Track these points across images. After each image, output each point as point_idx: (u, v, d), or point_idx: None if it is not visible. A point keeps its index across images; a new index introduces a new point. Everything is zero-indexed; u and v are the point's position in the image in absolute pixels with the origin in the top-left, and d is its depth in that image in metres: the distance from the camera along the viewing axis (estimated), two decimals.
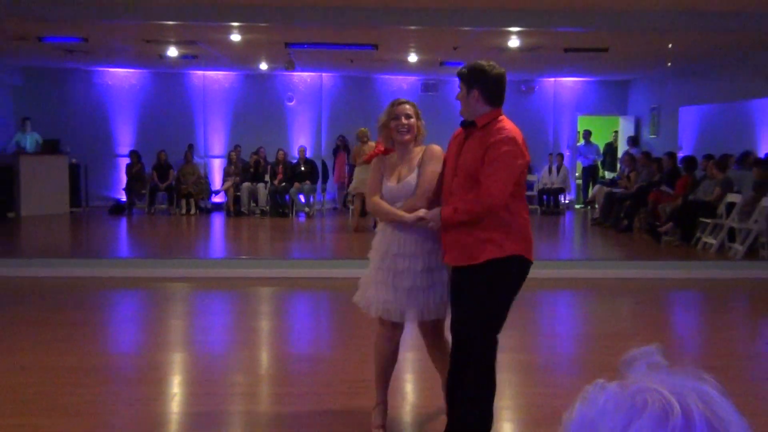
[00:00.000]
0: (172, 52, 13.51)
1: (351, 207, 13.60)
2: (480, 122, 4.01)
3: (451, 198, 4.07)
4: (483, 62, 4.10)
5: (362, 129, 13.12)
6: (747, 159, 12.57)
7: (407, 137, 4.30)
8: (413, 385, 5.57)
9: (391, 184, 4.32)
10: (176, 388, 5.37)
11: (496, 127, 3.98)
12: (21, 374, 5.39)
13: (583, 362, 6.03)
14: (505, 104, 4.16)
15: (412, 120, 4.32)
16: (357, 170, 12.83)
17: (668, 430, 0.83)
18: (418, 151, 4.38)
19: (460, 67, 4.22)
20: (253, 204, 15.98)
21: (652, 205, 12.78)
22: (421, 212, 4.06)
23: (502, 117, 4.06)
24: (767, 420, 4.53)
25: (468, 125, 4.09)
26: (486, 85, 4.01)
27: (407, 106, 4.35)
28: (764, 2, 8.99)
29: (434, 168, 4.24)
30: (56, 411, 4.67)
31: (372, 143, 12.58)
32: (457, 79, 4.21)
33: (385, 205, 4.29)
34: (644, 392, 0.87)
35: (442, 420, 4.32)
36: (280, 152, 16.23)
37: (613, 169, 17.75)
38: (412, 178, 4.27)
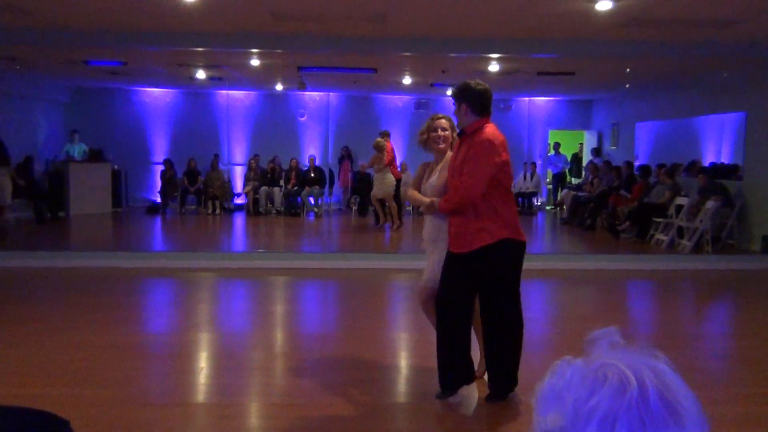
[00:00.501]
0: (201, 74, 13.50)
1: (377, 209, 13.38)
2: (469, 130, 4.15)
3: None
4: (470, 81, 4.23)
5: (379, 140, 12.90)
6: (693, 167, 12.59)
7: (442, 146, 4.54)
8: (407, 362, 5.56)
9: (424, 183, 4.62)
10: (203, 362, 5.37)
11: (479, 132, 4.10)
12: (70, 351, 5.39)
13: (553, 342, 6.03)
14: None
15: (447, 132, 4.54)
16: (377, 176, 12.76)
17: (626, 399, 0.83)
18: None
19: (453, 87, 4.33)
20: (269, 205, 15.95)
21: (612, 207, 12.78)
22: (434, 199, 4.38)
23: (489, 124, 4.14)
24: (709, 392, 4.54)
25: (461, 134, 4.19)
26: (472, 99, 4.14)
27: (443, 121, 4.58)
28: (706, 33, 9.00)
29: (446, 173, 4.43)
30: (100, 383, 4.67)
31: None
32: (446, 97, 4.32)
33: (414, 192, 4.65)
34: (605, 367, 0.87)
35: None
36: (293, 160, 16.23)
37: (578, 175, 17.75)
38: (433, 180, 4.53)
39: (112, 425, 3.96)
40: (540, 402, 0.91)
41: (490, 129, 4.12)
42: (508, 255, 4.15)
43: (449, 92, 4.35)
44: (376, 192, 12.85)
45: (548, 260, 9.91)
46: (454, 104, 4.27)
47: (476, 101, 4.14)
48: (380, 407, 4.34)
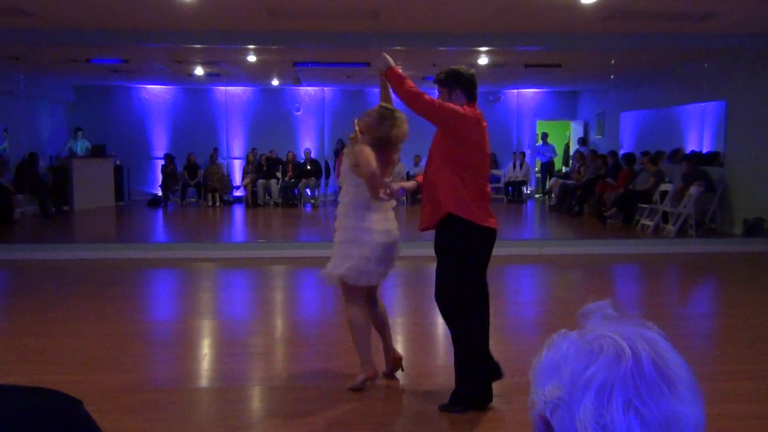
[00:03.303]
0: (199, 71, 13.44)
1: None
2: None
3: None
4: (457, 67, 4.09)
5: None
6: (677, 155, 12.60)
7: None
8: (404, 346, 5.56)
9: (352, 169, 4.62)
10: (206, 349, 5.37)
11: None
12: (80, 339, 5.37)
13: (544, 323, 6.04)
14: None
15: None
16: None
17: (621, 369, 0.82)
18: None
19: (437, 75, 4.18)
20: (267, 197, 15.93)
21: (599, 194, 12.80)
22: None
23: (466, 105, 4.02)
24: (695, 369, 4.54)
25: None
26: (464, 85, 4.02)
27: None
28: (686, 25, 8.99)
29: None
30: (108, 369, 4.67)
31: None
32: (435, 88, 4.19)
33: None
34: (600, 339, 0.87)
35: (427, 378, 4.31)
36: (290, 153, 16.21)
37: (566, 164, 17.76)
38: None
39: (121, 409, 3.96)
40: (538, 374, 0.90)
41: (468, 110, 4.02)
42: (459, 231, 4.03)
43: (436, 79, 4.13)
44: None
45: (538, 246, 9.93)
46: (439, 91, 4.11)
47: (468, 86, 4.05)
48: (379, 391, 4.34)
